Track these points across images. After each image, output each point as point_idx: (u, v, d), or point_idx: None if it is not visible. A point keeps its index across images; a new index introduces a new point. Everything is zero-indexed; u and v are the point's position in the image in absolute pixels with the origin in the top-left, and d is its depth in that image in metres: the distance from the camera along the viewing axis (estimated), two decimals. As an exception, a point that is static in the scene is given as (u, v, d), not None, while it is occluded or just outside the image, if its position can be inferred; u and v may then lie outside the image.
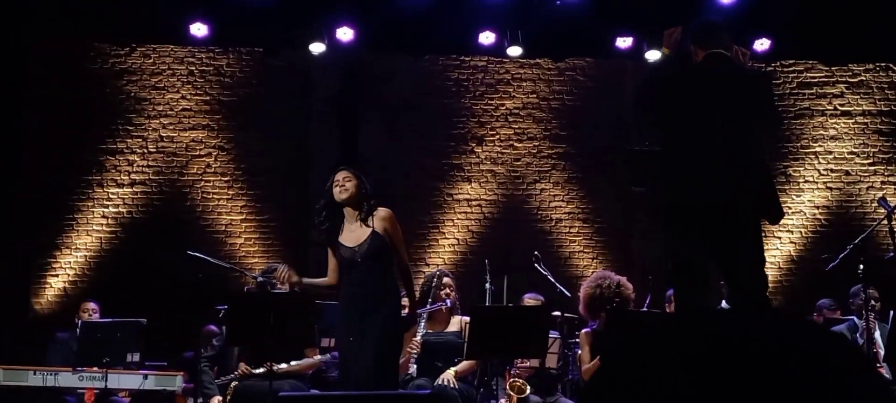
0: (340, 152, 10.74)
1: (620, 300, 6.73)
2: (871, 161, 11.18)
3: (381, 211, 5.85)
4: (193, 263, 7.35)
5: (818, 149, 11.16)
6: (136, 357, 7.39)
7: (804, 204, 11.08)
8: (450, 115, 11.03)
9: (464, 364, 6.80)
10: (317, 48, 9.69)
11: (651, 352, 1.29)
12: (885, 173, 11.15)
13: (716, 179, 4.63)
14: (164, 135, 10.71)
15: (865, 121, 11.22)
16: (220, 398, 6.97)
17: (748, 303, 4.71)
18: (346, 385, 5.84)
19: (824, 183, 11.14)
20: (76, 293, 10.14)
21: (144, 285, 9.88)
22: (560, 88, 11.17)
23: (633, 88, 10.82)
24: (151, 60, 10.75)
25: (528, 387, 7.01)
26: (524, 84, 11.13)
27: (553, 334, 7.26)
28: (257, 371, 6.88)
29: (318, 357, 7.33)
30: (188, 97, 10.78)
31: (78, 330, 7.54)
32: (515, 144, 11.06)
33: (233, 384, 6.94)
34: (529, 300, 7.93)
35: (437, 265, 10.21)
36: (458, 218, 10.90)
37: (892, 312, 7.03)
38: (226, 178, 10.74)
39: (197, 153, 10.73)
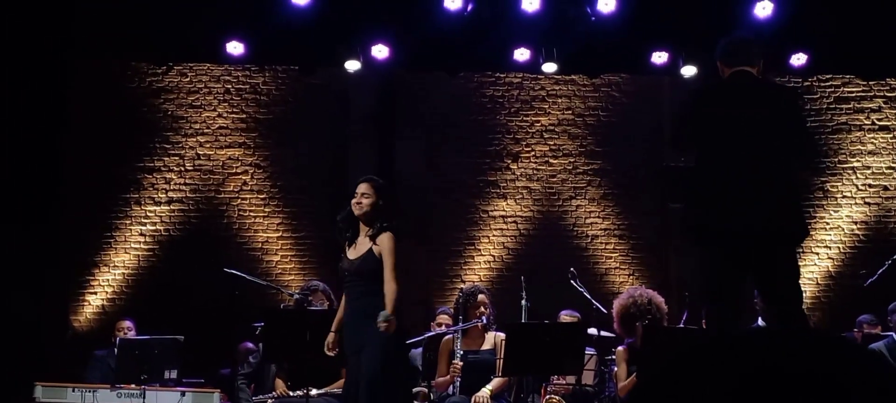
0: (377, 169, 10.77)
1: (654, 314, 6.70)
2: (909, 176, 11.06)
3: (384, 236, 5.74)
4: (230, 280, 7.42)
5: (856, 164, 11.05)
6: (174, 375, 7.43)
7: (842, 219, 10.97)
8: (485, 132, 11.03)
9: (497, 382, 6.78)
10: (352, 66, 9.72)
11: (690, 375, 1.28)
12: (924, 188, 11.03)
13: (743, 202, 4.59)
14: (200, 152, 10.79)
15: (904, 135, 11.10)
16: (256, 415, 6.99)
17: (784, 320, 4.67)
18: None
19: (862, 198, 11.02)
20: (114, 310, 10.23)
21: (181, 302, 9.95)
22: (595, 104, 11.15)
23: (669, 105, 10.80)
24: (188, 79, 10.85)
25: (564, 404, 6.99)
26: (559, 100, 11.12)
27: (589, 351, 7.23)
28: (295, 393, 6.89)
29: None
30: (225, 115, 10.86)
31: (115, 348, 7.60)
32: (551, 161, 11.04)
33: (269, 401, 6.97)
34: (566, 316, 7.92)
35: (473, 282, 10.20)
36: (493, 235, 10.90)
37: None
38: (262, 196, 10.81)
39: (233, 171, 10.81)
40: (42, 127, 9.34)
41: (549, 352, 6.28)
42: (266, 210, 10.79)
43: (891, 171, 11.05)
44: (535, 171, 11.02)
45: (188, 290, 10.10)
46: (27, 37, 8.96)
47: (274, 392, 7.04)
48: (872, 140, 11.09)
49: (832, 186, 11.01)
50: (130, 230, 10.63)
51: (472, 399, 6.65)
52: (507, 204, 10.95)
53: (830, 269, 10.86)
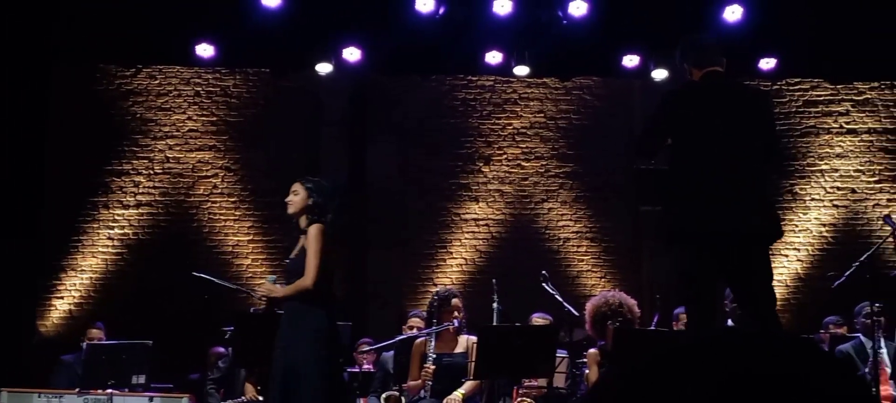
0: (349, 173, 10.76)
1: (625, 316, 6.71)
2: (877, 178, 11.16)
3: (311, 228, 5.50)
4: (200, 284, 7.35)
5: (824, 167, 11.14)
6: (142, 380, 7.36)
7: (811, 221, 11.06)
8: (457, 135, 11.03)
9: (469, 385, 6.77)
10: (324, 68, 9.71)
11: (664, 377, 1.27)
12: (891, 190, 11.13)
13: (719, 204, 4.60)
14: (170, 155, 10.72)
15: (871, 138, 11.20)
16: (226, 419, 6.95)
17: (758, 321, 4.69)
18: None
19: (831, 201, 11.12)
20: (82, 315, 10.14)
21: (150, 307, 9.87)
22: (567, 107, 11.17)
23: (640, 108, 10.84)
24: (157, 81, 10.78)
25: (537, 407, 6.98)
26: (531, 103, 11.13)
27: (561, 353, 7.23)
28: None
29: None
30: (195, 118, 10.80)
31: (83, 353, 7.52)
32: (523, 164, 11.05)
33: (240, 406, 6.93)
34: (538, 319, 7.92)
35: (445, 285, 10.19)
36: (465, 238, 10.89)
37: (897, 329, 7.01)
38: (232, 199, 10.75)
39: (203, 174, 10.74)
40: (24, 132, 9.27)
41: (521, 355, 6.27)
42: (236, 213, 10.73)
43: (858, 174, 11.16)
44: (507, 174, 11.03)
45: (157, 294, 10.02)
46: (6, 40, 8.91)
47: (244, 397, 6.99)
48: (840, 143, 11.19)
49: (801, 189, 11.10)
50: (99, 234, 10.53)
51: (445, 401, 6.63)
52: (479, 207, 10.96)
53: (799, 271, 10.93)
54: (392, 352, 7.35)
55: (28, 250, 9.45)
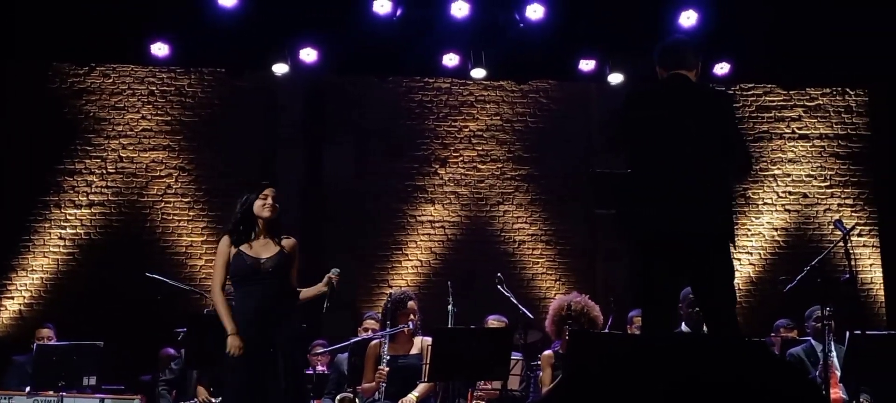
0: (305, 173, 10.71)
1: (586, 321, 6.72)
2: (828, 183, 11.32)
3: (293, 241, 5.89)
4: (152, 285, 7.29)
5: (777, 172, 11.28)
6: (93, 381, 7.29)
7: (763, 226, 11.19)
8: (413, 137, 11.02)
9: (424, 387, 6.76)
10: (280, 69, 9.66)
11: (620, 378, 1.28)
12: (842, 195, 11.29)
13: (680, 205, 4.60)
14: (123, 155, 10.60)
15: (822, 144, 11.36)
16: (178, 422, 6.88)
17: (717, 323, 4.70)
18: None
19: (783, 205, 11.25)
20: (32, 315, 10.00)
21: (102, 307, 9.76)
22: (523, 110, 11.20)
23: (596, 111, 10.91)
24: (111, 80, 10.65)
25: (491, 409, 6.99)
26: (488, 106, 11.15)
27: (516, 356, 7.24)
28: (217, 399, 6.79)
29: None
30: (148, 117, 10.69)
31: (33, 353, 7.43)
32: (479, 166, 11.07)
33: (192, 408, 6.87)
34: (493, 321, 7.92)
35: (400, 286, 10.18)
36: (421, 240, 10.88)
37: (847, 333, 7.08)
38: (186, 200, 10.65)
39: (157, 174, 10.64)
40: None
41: (475, 357, 6.27)
42: (190, 213, 10.63)
43: (810, 179, 11.30)
44: (463, 176, 11.03)
45: (109, 295, 9.90)
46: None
47: (195, 399, 6.93)
48: (792, 148, 11.33)
49: (754, 193, 11.22)
50: (50, 233, 10.39)
51: (399, 404, 6.62)
52: (435, 209, 10.95)
53: (751, 275, 11.05)
54: (347, 354, 7.32)
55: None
